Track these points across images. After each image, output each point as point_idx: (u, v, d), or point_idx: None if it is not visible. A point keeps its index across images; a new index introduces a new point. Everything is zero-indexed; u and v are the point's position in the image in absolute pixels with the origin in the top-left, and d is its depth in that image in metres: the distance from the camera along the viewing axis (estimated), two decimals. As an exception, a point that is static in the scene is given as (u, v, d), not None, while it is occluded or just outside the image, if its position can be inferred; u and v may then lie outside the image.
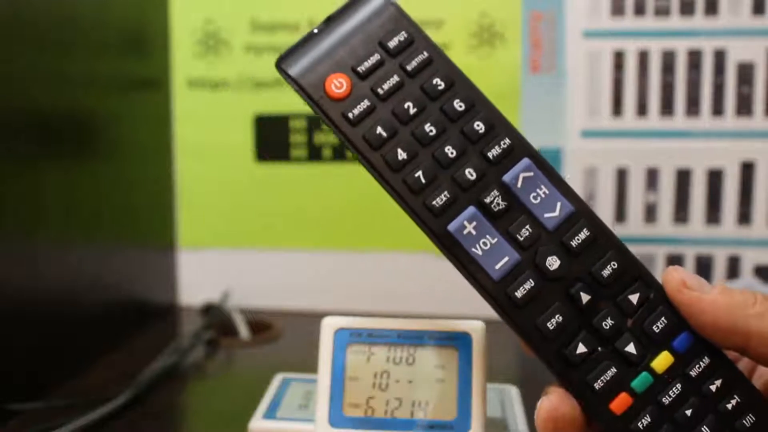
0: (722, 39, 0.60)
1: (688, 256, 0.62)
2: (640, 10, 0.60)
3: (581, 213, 0.27)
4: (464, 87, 0.28)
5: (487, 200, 0.27)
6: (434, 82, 0.27)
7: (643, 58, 0.61)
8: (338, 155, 0.65)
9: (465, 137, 0.27)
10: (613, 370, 0.26)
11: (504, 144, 0.27)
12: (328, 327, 0.34)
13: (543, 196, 0.27)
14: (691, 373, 0.26)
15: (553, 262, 0.26)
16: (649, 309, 0.26)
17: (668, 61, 0.60)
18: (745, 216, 0.61)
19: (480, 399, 0.32)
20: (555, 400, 0.26)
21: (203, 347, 0.55)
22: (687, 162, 0.61)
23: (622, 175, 0.62)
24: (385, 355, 0.33)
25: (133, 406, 0.44)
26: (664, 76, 0.61)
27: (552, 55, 0.61)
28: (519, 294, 0.26)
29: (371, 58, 0.27)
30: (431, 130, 0.27)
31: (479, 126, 0.27)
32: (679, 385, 0.26)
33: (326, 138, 0.64)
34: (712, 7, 0.59)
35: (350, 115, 0.27)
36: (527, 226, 0.27)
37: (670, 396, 0.26)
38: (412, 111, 0.27)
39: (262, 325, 0.61)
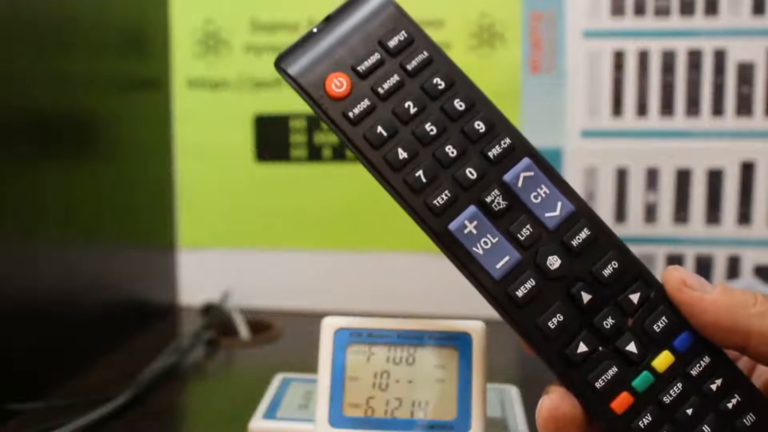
0: (722, 39, 0.60)
1: (688, 256, 0.62)
2: (640, 10, 0.60)
3: (582, 212, 0.27)
4: (464, 86, 0.28)
5: (488, 200, 0.27)
6: (434, 81, 0.27)
7: (643, 58, 0.61)
8: (338, 155, 0.65)
9: (465, 137, 0.27)
10: (614, 369, 0.26)
11: (504, 143, 0.27)
12: (328, 327, 0.34)
13: (543, 195, 0.27)
14: (691, 372, 0.26)
15: (553, 262, 0.26)
16: (649, 308, 0.27)
17: (668, 61, 0.60)
18: (745, 216, 0.61)
19: (480, 399, 0.32)
20: (556, 400, 0.26)
21: (203, 347, 0.55)
22: (687, 162, 0.61)
23: (622, 175, 0.62)
24: (385, 355, 0.33)
25: (133, 406, 0.44)
26: (664, 76, 0.61)
27: (552, 55, 0.61)
28: (520, 293, 0.26)
29: (371, 58, 0.27)
30: (432, 130, 0.27)
31: (480, 125, 0.27)
32: (679, 385, 0.26)
33: (326, 138, 0.64)
34: (712, 7, 0.59)
35: (351, 114, 0.27)
36: (528, 226, 0.27)
37: (670, 395, 0.26)
38: (413, 110, 0.27)
39: (262, 325, 0.61)
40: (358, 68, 0.27)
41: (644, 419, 0.26)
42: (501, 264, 0.26)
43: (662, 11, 0.60)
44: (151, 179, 0.64)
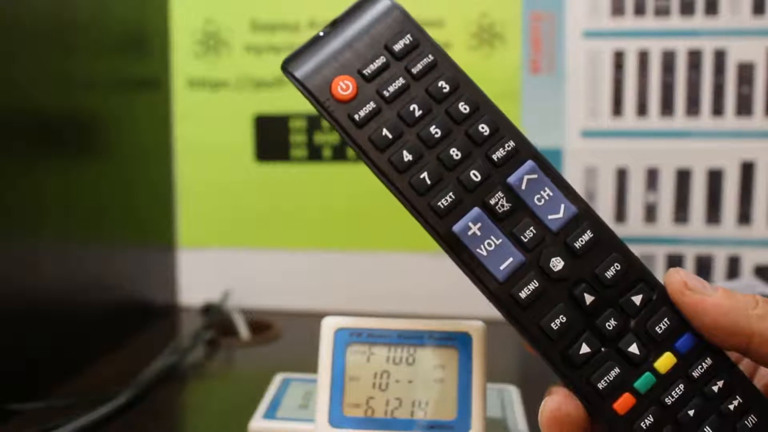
0: (722, 39, 0.60)
1: (688, 256, 0.62)
2: (640, 10, 0.60)
3: (585, 215, 0.27)
4: (469, 90, 0.28)
5: (492, 202, 0.27)
6: (439, 84, 0.28)
7: (643, 58, 0.61)
8: (338, 155, 0.65)
9: (470, 139, 0.27)
10: (617, 370, 0.26)
11: (508, 146, 0.27)
12: (328, 327, 0.34)
13: (547, 198, 0.27)
14: (693, 373, 0.26)
15: (557, 263, 0.26)
16: (651, 310, 0.27)
17: (668, 61, 0.60)
18: (745, 216, 0.61)
19: (480, 399, 0.32)
20: (558, 400, 0.26)
21: (203, 347, 0.55)
22: (687, 162, 0.61)
23: (622, 175, 0.62)
24: (385, 355, 0.33)
25: (133, 406, 0.44)
26: (664, 76, 0.61)
27: (552, 55, 0.61)
28: (523, 295, 0.26)
29: (377, 61, 0.28)
30: (436, 132, 0.27)
31: (484, 128, 0.27)
32: (681, 386, 0.26)
33: (326, 138, 0.64)
34: (712, 7, 0.60)
35: (356, 116, 0.27)
36: (531, 228, 0.27)
37: (672, 396, 0.26)
38: (418, 113, 0.27)
39: (262, 325, 0.61)
40: (364, 71, 0.27)
41: (646, 420, 0.26)
42: (505, 265, 0.26)
43: (662, 11, 0.60)
44: (151, 179, 0.64)
